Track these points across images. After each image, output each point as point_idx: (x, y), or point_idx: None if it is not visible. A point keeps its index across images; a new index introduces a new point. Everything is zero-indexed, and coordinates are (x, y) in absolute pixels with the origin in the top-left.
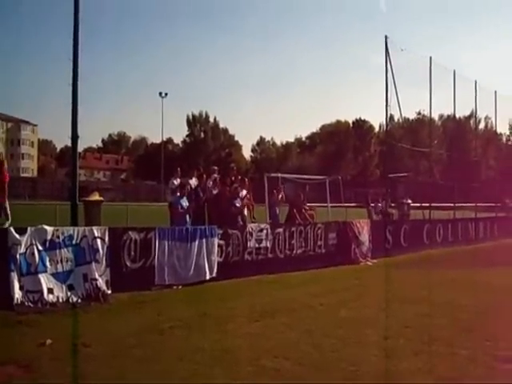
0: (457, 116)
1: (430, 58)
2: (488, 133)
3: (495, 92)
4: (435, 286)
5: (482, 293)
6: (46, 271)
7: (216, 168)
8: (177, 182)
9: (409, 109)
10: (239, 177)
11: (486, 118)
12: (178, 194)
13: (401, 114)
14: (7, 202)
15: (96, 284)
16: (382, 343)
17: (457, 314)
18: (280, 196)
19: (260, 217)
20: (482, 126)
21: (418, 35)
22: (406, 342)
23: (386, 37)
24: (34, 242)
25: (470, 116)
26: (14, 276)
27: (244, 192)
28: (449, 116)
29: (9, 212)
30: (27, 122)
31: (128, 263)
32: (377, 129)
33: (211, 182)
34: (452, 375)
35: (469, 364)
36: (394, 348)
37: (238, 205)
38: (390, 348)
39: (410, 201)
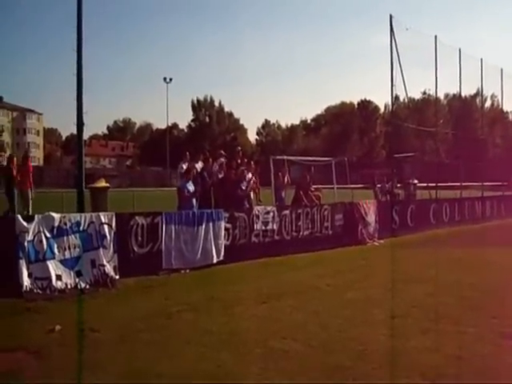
0: (463, 95)
1: (436, 36)
2: (494, 111)
3: (501, 70)
4: (442, 265)
5: (488, 271)
6: (54, 258)
7: (222, 152)
8: (185, 166)
9: (414, 88)
10: (245, 160)
11: (492, 96)
12: (185, 178)
13: (406, 94)
14: (30, 192)
15: (104, 270)
16: (390, 323)
17: (463, 292)
18: (286, 179)
19: (266, 199)
20: (488, 104)
21: (423, 14)
22: (413, 321)
23: (390, 16)
24: (41, 229)
25: (476, 94)
26: (23, 263)
27: (250, 175)
28: (454, 95)
29: (30, 202)
30: (32, 111)
31: (135, 248)
32: (382, 109)
33: (217, 166)
34: (459, 353)
35: (476, 342)
36: (402, 327)
37: (243, 188)
38: (398, 327)
39: (416, 181)
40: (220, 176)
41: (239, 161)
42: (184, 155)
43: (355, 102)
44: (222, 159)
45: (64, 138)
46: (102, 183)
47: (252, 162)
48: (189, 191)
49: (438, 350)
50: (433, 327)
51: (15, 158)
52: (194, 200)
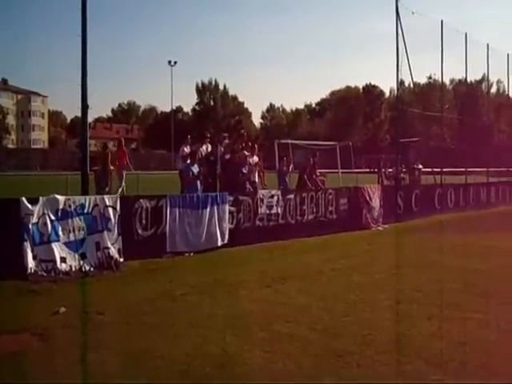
0: (468, 80)
1: (442, 21)
2: (500, 97)
3: (508, 55)
4: (447, 250)
5: (494, 257)
6: (58, 240)
7: (226, 135)
8: (187, 149)
9: (419, 73)
10: (249, 143)
11: (498, 81)
12: (189, 161)
13: (412, 79)
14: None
15: (108, 252)
16: (394, 308)
17: (469, 278)
18: (290, 167)
19: (271, 183)
20: (494, 89)
21: None
22: (418, 307)
23: (396, 0)
24: (46, 211)
25: (482, 80)
26: (27, 246)
27: (255, 158)
28: (460, 80)
29: (123, 183)
30: (37, 94)
31: (140, 231)
32: (387, 94)
33: (222, 149)
34: (464, 339)
35: (481, 328)
36: (407, 312)
37: (245, 171)
38: (403, 312)
39: (421, 166)
40: (227, 157)
41: (243, 144)
42: (186, 138)
43: (360, 87)
44: (227, 141)
45: (69, 120)
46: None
47: (256, 146)
48: (193, 173)
49: (443, 336)
50: (438, 313)
51: (108, 144)
52: (199, 183)
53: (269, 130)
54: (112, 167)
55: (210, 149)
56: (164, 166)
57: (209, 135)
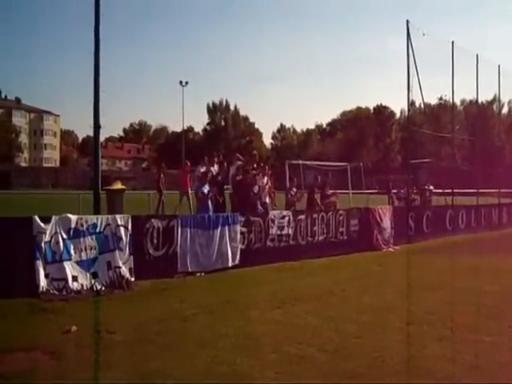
0: (479, 101)
1: (453, 42)
2: (511, 117)
3: None
4: (458, 272)
5: (505, 279)
6: (70, 259)
7: (239, 155)
8: (203, 169)
9: (430, 94)
10: (261, 164)
11: (510, 102)
12: (200, 181)
13: (422, 100)
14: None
15: (119, 272)
16: (405, 329)
17: (480, 300)
18: (296, 196)
19: (282, 204)
20: (505, 110)
21: (441, 19)
22: (429, 329)
23: (407, 21)
24: (58, 230)
25: (493, 100)
26: (40, 264)
27: (265, 179)
28: (471, 101)
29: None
30: (50, 113)
31: (151, 251)
32: (398, 115)
33: (234, 169)
34: (476, 362)
35: (493, 350)
36: (418, 334)
37: (256, 191)
38: (414, 334)
39: (432, 187)
40: (238, 178)
41: (255, 165)
42: (202, 159)
43: (371, 107)
44: (239, 162)
45: (80, 139)
46: (118, 185)
47: (266, 166)
48: (203, 193)
49: (455, 359)
50: (449, 335)
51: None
52: (210, 203)
53: (279, 150)
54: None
55: (218, 169)
56: (175, 185)
57: (217, 155)
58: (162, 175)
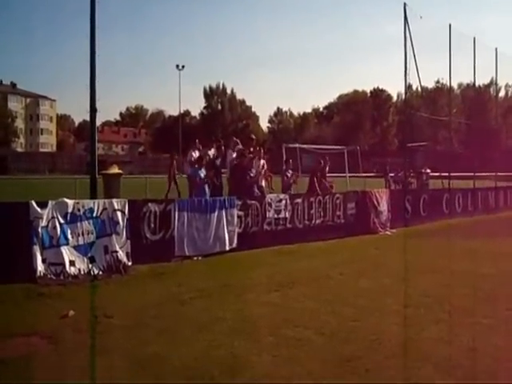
0: (476, 84)
1: (450, 25)
2: (508, 101)
3: None
4: (455, 255)
5: (502, 262)
6: (67, 244)
7: (237, 140)
8: (196, 154)
9: (427, 77)
10: (257, 148)
11: (507, 85)
12: (197, 165)
13: (419, 83)
14: None
15: (117, 256)
16: (403, 312)
17: (477, 283)
18: (292, 178)
19: (279, 187)
20: (502, 93)
21: (438, 2)
22: (426, 311)
23: (404, 4)
24: (55, 215)
25: (490, 84)
26: (37, 249)
27: (261, 162)
28: (468, 84)
29: None
30: (46, 97)
31: (148, 235)
32: (395, 98)
33: (234, 154)
34: (473, 344)
35: (490, 333)
36: (415, 317)
37: (252, 175)
38: (411, 317)
39: (428, 170)
40: (235, 162)
41: (252, 148)
42: (194, 143)
43: (368, 91)
44: (240, 146)
45: (77, 124)
46: (115, 170)
47: (262, 149)
48: (200, 178)
49: (452, 341)
50: (446, 318)
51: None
52: (207, 187)
53: (276, 134)
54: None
55: (216, 153)
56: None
57: (216, 140)
58: (174, 162)
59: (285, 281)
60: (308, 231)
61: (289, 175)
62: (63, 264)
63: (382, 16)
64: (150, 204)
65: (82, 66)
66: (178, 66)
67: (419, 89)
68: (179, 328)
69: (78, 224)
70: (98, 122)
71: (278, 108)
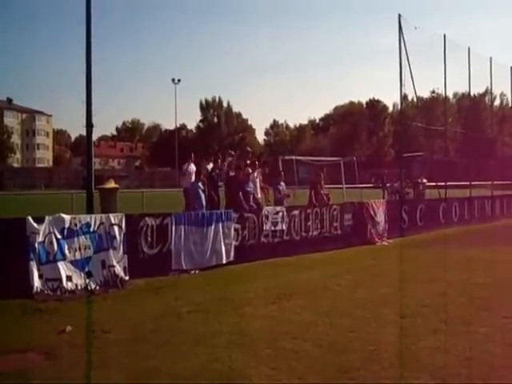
0: (471, 93)
1: (444, 35)
2: (503, 110)
3: (511, 68)
4: (452, 265)
5: (498, 271)
6: (64, 259)
7: (233, 152)
8: (191, 167)
9: (423, 87)
10: (254, 160)
11: (502, 94)
12: (194, 178)
13: (415, 93)
14: None
15: (114, 270)
16: (399, 322)
17: (474, 292)
18: (284, 192)
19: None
20: (497, 102)
21: (432, 13)
22: (423, 321)
23: (399, 15)
24: (52, 230)
25: (485, 93)
26: (33, 265)
27: (256, 174)
28: (463, 94)
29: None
30: (42, 113)
31: (145, 249)
32: (391, 108)
33: (226, 165)
34: (470, 353)
35: (487, 342)
36: (412, 327)
37: (249, 189)
38: (407, 327)
39: (425, 180)
40: (231, 174)
41: (248, 161)
42: (189, 156)
43: (364, 102)
44: (230, 158)
45: (73, 139)
46: (112, 184)
47: (257, 162)
48: (198, 191)
49: (448, 350)
50: (443, 327)
51: None
52: (204, 200)
53: (273, 146)
54: None
55: (213, 166)
56: (169, 183)
57: (214, 153)
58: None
59: (282, 293)
60: (305, 243)
61: (281, 189)
62: (60, 279)
63: (377, 27)
64: (146, 218)
65: (78, 81)
66: (173, 79)
67: (415, 99)
68: (177, 342)
69: (75, 239)
70: (95, 137)
71: (274, 120)
